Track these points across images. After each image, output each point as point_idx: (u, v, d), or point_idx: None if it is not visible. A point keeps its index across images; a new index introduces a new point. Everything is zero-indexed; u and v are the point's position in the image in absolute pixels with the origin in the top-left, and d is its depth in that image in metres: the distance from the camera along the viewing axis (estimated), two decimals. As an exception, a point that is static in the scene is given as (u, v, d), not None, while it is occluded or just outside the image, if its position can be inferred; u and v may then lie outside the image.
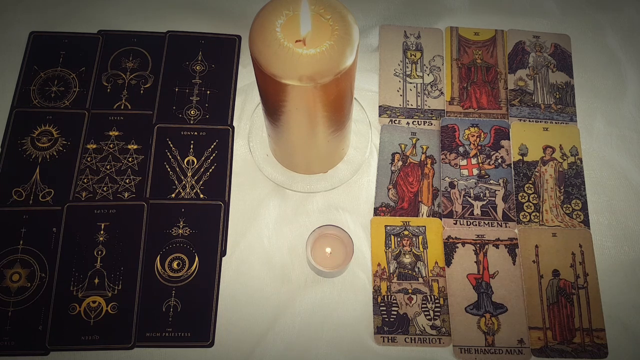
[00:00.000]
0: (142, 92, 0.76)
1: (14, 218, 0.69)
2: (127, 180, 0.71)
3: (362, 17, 0.82)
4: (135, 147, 0.73)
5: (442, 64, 0.79)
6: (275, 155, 0.72)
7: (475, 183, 0.73)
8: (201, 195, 0.71)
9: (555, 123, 0.76)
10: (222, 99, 0.76)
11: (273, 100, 0.57)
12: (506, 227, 0.71)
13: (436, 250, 0.69)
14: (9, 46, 0.79)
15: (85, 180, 0.71)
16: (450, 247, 0.69)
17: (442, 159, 0.74)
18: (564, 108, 0.77)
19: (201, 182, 0.71)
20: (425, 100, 0.77)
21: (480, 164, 0.74)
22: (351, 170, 0.72)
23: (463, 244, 0.69)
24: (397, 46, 0.80)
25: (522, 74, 0.79)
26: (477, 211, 0.71)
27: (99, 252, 0.67)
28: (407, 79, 0.78)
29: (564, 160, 0.74)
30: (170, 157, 0.73)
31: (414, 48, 0.80)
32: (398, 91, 0.77)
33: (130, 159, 0.72)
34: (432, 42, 0.80)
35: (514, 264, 0.69)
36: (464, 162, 0.74)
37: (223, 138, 0.74)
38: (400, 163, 0.73)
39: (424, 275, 0.68)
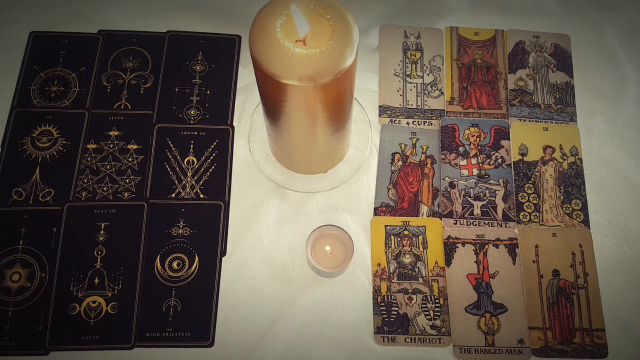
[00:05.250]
0: (142, 92, 0.76)
1: (14, 218, 0.69)
2: (127, 180, 0.71)
3: (362, 17, 0.82)
4: (135, 147, 0.73)
5: (442, 64, 0.79)
6: (275, 155, 0.72)
7: (475, 183, 0.73)
8: (201, 195, 0.71)
9: (555, 123, 0.76)
10: (222, 99, 0.76)
11: (273, 100, 0.57)
12: (506, 227, 0.71)
13: (436, 250, 0.69)
14: (9, 46, 0.79)
15: (85, 180, 0.71)
16: (450, 247, 0.69)
17: (442, 159, 0.74)
18: (564, 108, 0.77)
19: (201, 182, 0.71)
20: (425, 100, 0.77)
21: (480, 164, 0.74)
22: (351, 170, 0.72)
23: (463, 243, 0.69)
24: (397, 46, 0.80)
25: (522, 74, 0.79)
26: (477, 211, 0.71)
27: (99, 252, 0.67)
28: (407, 79, 0.78)
29: (564, 160, 0.74)
30: (170, 157, 0.73)
31: (414, 48, 0.80)
32: (398, 91, 0.77)
33: (130, 159, 0.72)
34: (432, 42, 0.80)
35: (514, 264, 0.69)
36: (464, 162, 0.74)
37: (223, 138, 0.74)
38: (400, 163, 0.73)
39: (424, 275, 0.68)
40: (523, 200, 0.72)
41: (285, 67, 0.51)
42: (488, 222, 0.71)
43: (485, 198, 0.72)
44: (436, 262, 0.69)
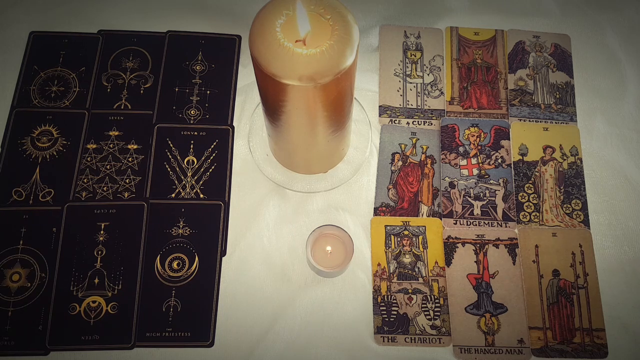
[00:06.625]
0: (142, 92, 0.76)
1: (14, 218, 0.69)
2: (127, 180, 0.71)
3: (362, 17, 0.82)
4: (135, 147, 0.73)
5: (442, 64, 0.79)
6: (275, 155, 0.72)
7: (475, 183, 0.73)
8: (201, 195, 0.71)
9: (555, 123, 0.76)
10: (222, 99, 0.76)
11: (273, 100, 0.57)
12: (506, 227, 0.71)
13: (436, 250, 0.69)
14: (9, 46, 0.79)
15: (85, 180, 0.71)
16: (450, 247, 0.69)
17: (442, 159, 0.74)
18: (564, 108, 0.77)
19: (201, 182, 0.71)
20: (425, 100, 0.77)
21: (480, 164, 0.74)
22: (351, 170, 0.72)
23: (463, 243, 0.69)
24: (397, 46, 0.80)
25: (522, 74, 0.79)
26: (477, 211, 0.71)
27: (99, 252, 0.67)
28: (407, 78, 0.78)
29: (564, 160, 0.74)
30: (170, 157, 0.73)
31: (414, 48, 0.80)
32: (398, 91, 0.77)
33: (130, 159, 0.72)
34: (432, 42, 0.80)
35: (514, 264, 0.69)
36: (464, 162, 0.74)
37: (223, 138, 0.74)
38: (400, 163, 0.73)
39: (424, 275, 0.68)
40: (523, 200, 0.72)
41: (285, 67, 0.51)
42: (488, 222, 0.71)
43: (485, 198, 0.72)
44: (436, 262, 0.69)
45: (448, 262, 0.69)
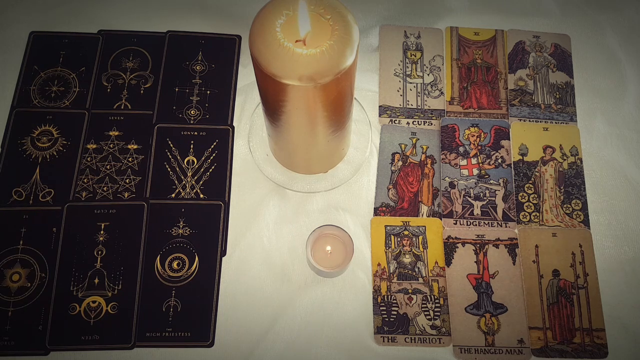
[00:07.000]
0: (142, 92, 0.76)
1: (14, 218, 0.69)
2: (127, 180, 0.71)
3: (362, 17, 0.82)
4: (135, 147, 0.73)
5: (442, 64, 0.79)
6: (275, 155, 0.72)
7: (475, 183, 0.73)
8: (201, 195, 0.71)
9: (555, 123, 0.76)
10: (222, 99, 0.76)
11: (273, 100, 0.57)
12: (506, 227, 0.71)
13: (436, 250, 0.69)
14: (9, 46, 0.79)
15: (85, 180, 0.71)
16: (450, 247, 0.69)
17: (442, 159, 0.74)
18: (564, 108, 0.77)
19: (201, 182, 0.71)
20: (425, 100, 0.77)
21: (480, 164, 0.74)
22: (351, 170, 0.72)
23: (463, 244, 0.69)
24: (397, 46, 0.80)
25: (522, 74, 0.79)
26: (477, 211, 0.71)
27: (99, 252, 0.67)
28: (407, 79, 0.78)
29: (564, 160, 0.74)
30: (170, 157, 0.73)
31: (414, 48, 0.80)
32: (398, 91, 0.77)
33: (130, 159, 0.72)
34: (432, 42, 0.80)
35: (514, 264, 0.69)
36: (464, 162, 0.74)
37: (223, 138, 0.74)
38: (400, 163, 0.73)
39: (424, 275, 0.68)
40: (523, 200, 0.72)
41: (285, 67, 0.51)
42: (488, 222, 0.71)
43: (485, 198, 0.72)
44: (436, 262, 0.69)
45: (448, 262, 0.69)
